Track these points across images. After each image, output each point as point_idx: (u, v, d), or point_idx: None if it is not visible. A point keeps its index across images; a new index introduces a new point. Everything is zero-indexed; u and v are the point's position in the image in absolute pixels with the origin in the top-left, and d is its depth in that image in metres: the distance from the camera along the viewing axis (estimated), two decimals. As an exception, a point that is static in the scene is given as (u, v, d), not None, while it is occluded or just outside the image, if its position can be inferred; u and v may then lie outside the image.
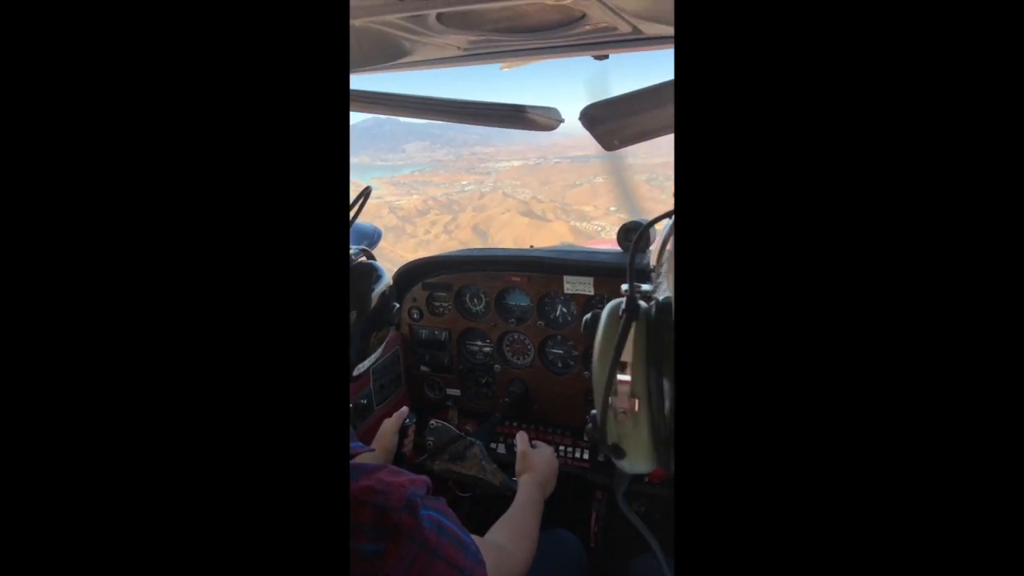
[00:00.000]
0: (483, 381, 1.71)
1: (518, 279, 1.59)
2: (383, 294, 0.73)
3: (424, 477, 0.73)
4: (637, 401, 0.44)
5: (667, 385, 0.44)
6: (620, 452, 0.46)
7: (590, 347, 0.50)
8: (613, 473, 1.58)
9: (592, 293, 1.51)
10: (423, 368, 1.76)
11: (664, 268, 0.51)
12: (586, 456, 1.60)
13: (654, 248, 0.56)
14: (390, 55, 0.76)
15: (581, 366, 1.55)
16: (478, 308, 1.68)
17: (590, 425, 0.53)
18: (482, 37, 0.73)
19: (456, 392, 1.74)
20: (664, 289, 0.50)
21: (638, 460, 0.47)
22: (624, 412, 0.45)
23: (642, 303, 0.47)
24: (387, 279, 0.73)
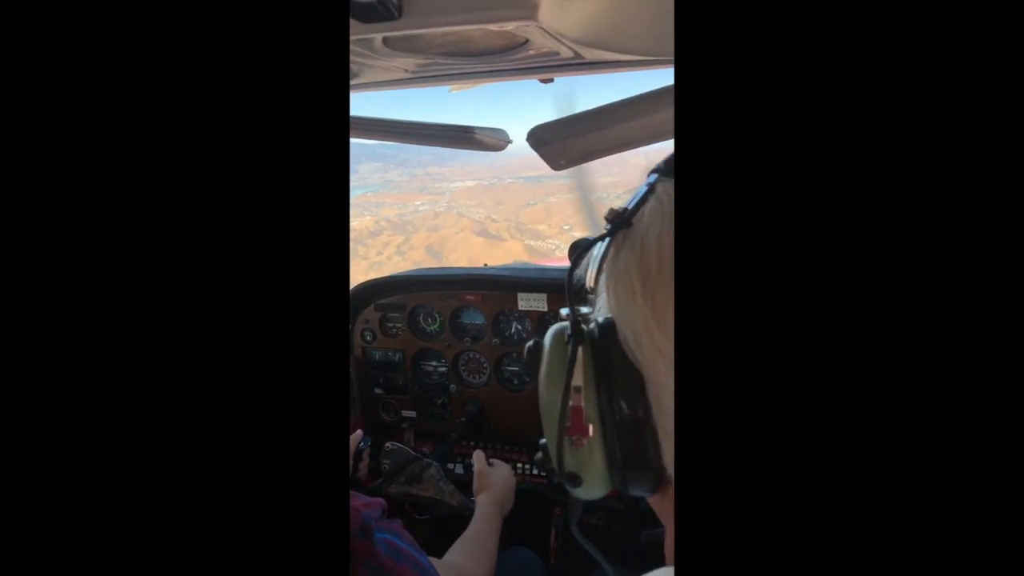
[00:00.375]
0: (439, 402, 1.70)
1: (472, 297, 1.60)
2: None
3: (379, 500, 0.72)
4: (591, 426, 0.44)
5: (616, 407, 0.44)
6: (577, 480, 0.45)
7: (535, 374, 0.50)
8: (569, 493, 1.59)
9: (546, 309, 1.53)
10: (377, 391, 1.73)
11: (601, 288, 0.49)
12: (544, 473, 1.60)
13: (591, 269, 0.55)
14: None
15: (537, 382, 1.56)
16: (432, 328, 1.67)
17: (540, 455, 0.52)
18: (429, 60, 0.75)
19: (412, 414, 1.72)
20: (602, 310, 0.48)
21: (594, 486, 0.45)
22: (579, 438, 0.44)
23: (583, 326, 0.46)
24: None
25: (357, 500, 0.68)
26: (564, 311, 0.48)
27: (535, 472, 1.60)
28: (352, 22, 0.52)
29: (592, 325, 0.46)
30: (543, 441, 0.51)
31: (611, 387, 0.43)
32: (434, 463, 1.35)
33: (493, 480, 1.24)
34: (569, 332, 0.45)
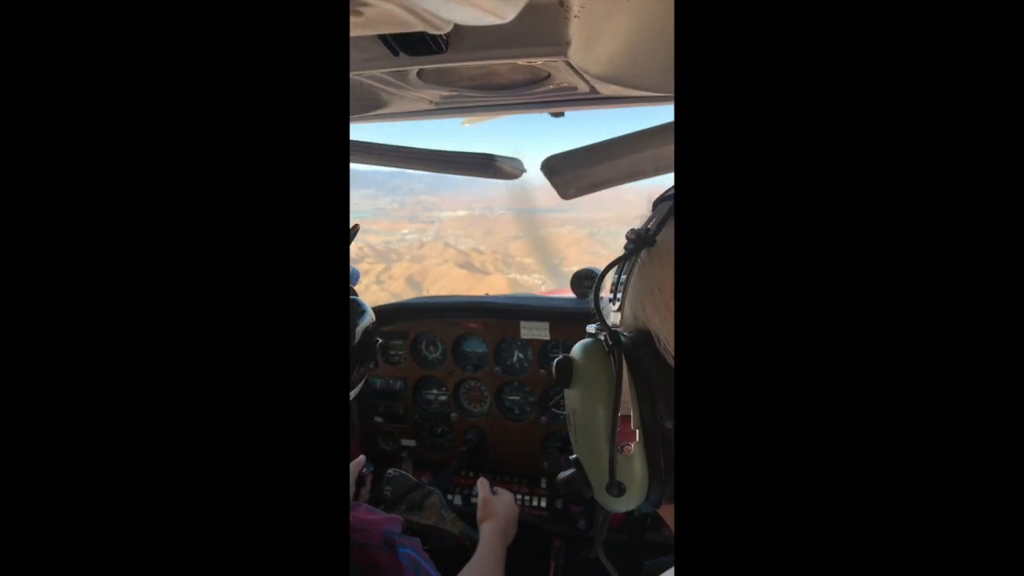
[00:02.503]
0: (439, 431, 1.69)
1: (475, 325, 1.61)
2: (367, 329, 0.73)
3: (398, 517, 0.72)
4: (638, 432, 0.44)
5: (658, 414, 0.45)
6: (622, 489, 0.45)
7: (554, 390, 0.49)
8: (571, 522, 1.59)
9: (548, 338, 1.54)
10: (377, 419, 1.71)
11: (626, 302, 0.51)
12: (543, 504, 1.59)
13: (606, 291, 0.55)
14: (368, 107, 0.79)
15: (538, 412, 1.56)
16: (434, 356, 1.67)
17: (567, 473, 0.51)
18: (454, 92, 0.78)
19: (411, 443, 1.70)
20: (627, 322, 0.51)
21: (633, 496, 0.46)
22: (626, 448, 0.44)
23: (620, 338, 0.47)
24: (370, 314, 0.74)
25: (379, 515, 0.68)
26: (591, 327, 0.51)
27: (535, 504, 1.59)
28: (402, 55, 0.55)
29: (627, 337, 0.47)
30: (574, 456, 0.51)
31: (652, 395, 0.45)
32: (436, 491, 1.33)
33: (497, 509, 1.23)
34: (610, 343, 0.47)
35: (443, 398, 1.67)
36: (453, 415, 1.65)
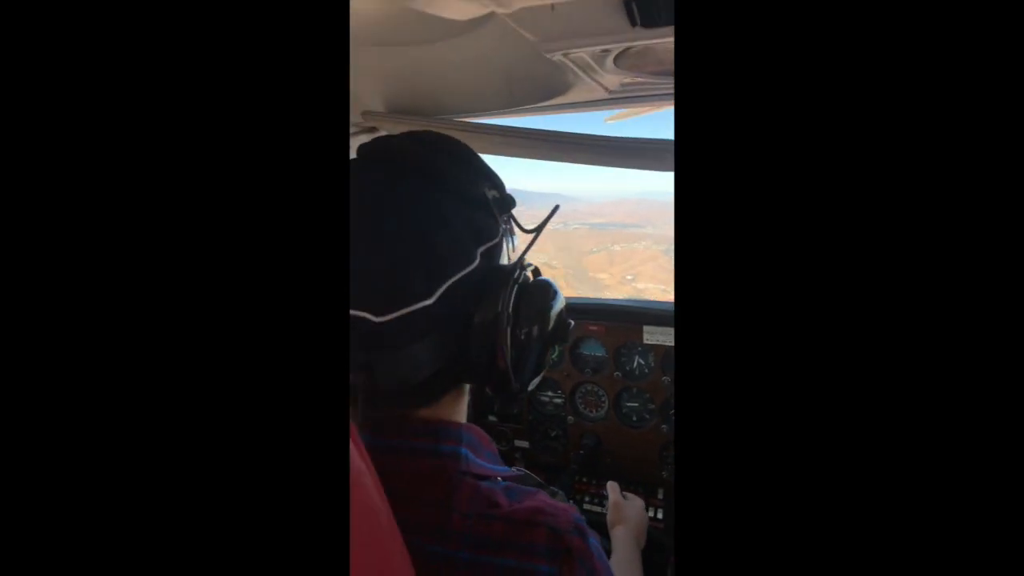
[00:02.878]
0: (553, 434, 1.68)
1: (595, 328, 1.58)
2: (560, 313, 0.74)
3: (574, 505, 0.72)
4: None
5: None
6: None
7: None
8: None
9: (673, 344, 1.50)
10: (491, 418, 1.73)
11: None
12: (660, 516, 1.53)
13: None
14: (546, 94, 0.80)
15: (659, 420, 1.52)
16: (552, 357, 1.66)
17: None
18: (635, 80, 0.77)
19: (524, 444, 1.70)
20: None
21: None
22: None
23: None
24: (562, 298, 0.75)
25: (559, 503, 0.67)
26: None
27: (651, 515, 1.54)
28: (637, 28, 0.55)
29: None
30: None
31: None
32: (560, 492, 1.31)
33: (630, 513, 1.20)
34: None
35: (558, 401, 1.66)
36: (569, 418, 1.63)
